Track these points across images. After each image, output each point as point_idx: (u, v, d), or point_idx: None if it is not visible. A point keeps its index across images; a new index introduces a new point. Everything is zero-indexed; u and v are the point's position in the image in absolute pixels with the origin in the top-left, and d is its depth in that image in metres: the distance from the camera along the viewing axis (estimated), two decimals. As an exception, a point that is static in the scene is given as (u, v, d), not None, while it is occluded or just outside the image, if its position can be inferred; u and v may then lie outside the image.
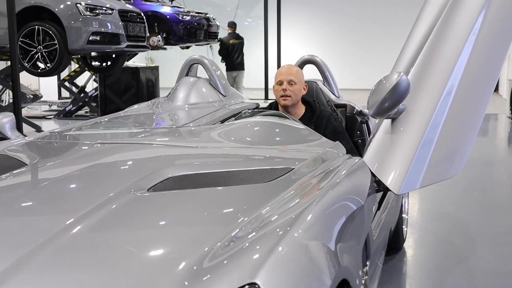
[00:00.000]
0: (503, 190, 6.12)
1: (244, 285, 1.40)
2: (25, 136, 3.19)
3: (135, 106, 4.18)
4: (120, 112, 3.92)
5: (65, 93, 14.85)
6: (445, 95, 2.63)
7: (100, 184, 2.28)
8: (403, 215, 4.22)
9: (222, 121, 3.42)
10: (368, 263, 2.57)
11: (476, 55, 2.68)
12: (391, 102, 2.53)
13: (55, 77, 13.56)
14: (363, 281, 2.25)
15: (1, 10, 7.54)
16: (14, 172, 2.42)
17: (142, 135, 3.10)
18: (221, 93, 4.06)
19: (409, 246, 4.20)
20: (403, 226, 4.17)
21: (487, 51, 2.75)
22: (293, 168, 2.39)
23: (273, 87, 3.57)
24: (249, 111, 3.64)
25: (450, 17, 2.75)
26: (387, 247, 3.77)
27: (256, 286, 1.39)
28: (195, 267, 1.50)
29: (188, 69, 4.16)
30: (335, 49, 17.79)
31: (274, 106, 3.68)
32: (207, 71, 4.12)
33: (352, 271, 1.83)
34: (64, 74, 12.75)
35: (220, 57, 12.60)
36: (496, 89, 14.93)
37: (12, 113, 3.30)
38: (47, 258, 1.58)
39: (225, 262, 1.50)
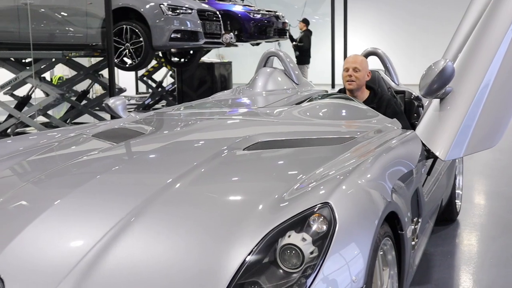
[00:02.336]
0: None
1: (317, 204, 1.98)
2: (134, 116, 3.87)
3: (219, 93, 4.83)
4: (209, 97, 4.58)
5: (142, 88, 15.78)
6: (487, 79, 3.13)
7: (201, 147, 2.93)
8: (458, 191, 4.69)
9: (296, 105, 4.01)
10: (420, 220, 3.12)
11: None
12: (439, 84, 3.05)
13: (133, 73, 14.50)
14: (412, 227, 2.78)
15: (92, 12, 8.42)
16: (131, 140, 3.09)
17: (231, 114, 3.73)
18: (294, 82, 4.65)
19: (463, 219, 4.67)
20: (457, 201, 4.64)
21: None
22: (354, 137, 2.96)
23: (342, 73, 4.15)
24: (319, 96, 4.22)
25: (492, 13, 3.24)
26: (442, 218, 4.28)
27: (329, 205, 1.97)
28: (276, 197, 2.09)
29: (266, 61, 4.77)
30: (400, 45, 18.08)
31: (342, 91, 4.25)
32: (282, 63, 4.72)
33: (400, 208, 2.38)
34: (142, 70, 13.64)
35: (296, 52, 13.34)
36: None
37: (123, 97, 4.00)
38: (158, 205, 2.14)
39: (300, 194, 2.09)
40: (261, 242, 1.88)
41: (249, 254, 1.85)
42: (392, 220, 2.35)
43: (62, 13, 8.64)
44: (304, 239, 1.87)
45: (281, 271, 1.84)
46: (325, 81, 15.76)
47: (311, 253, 1.85)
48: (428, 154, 3.16)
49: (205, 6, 9.50)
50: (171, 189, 2.26)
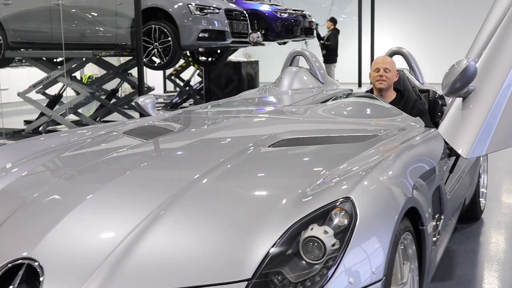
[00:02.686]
0: None
1: (339, 199, 2.06)
2: (163, 114, 3.99)
3: (246, 92, 4.93)
4: (235, 96, 4.68)
5: (169, 87, 15.95)
6: (509, 78, 3.17)
7: (228, 144, 3.02)
8: (482, 189, 4.72)
9: (321, 103, 4.09)
10: (442, 217, 3.17)
11: None
12: (462, 83, 3.10)
13: (161, 72, 14.67)
14: (434, 223, 2.84)
15: (122, 12, 8.58)
16: (160, 137, 3.19)
17: (257, 112, 3.82)
18: (319, 81, 4.73)
19: (487, 217, 4.69)
20: (481, 199, 4.67)
21: None
22: (378, 135, 3.03)
23: (370, 74, 4.21)
24: (344, 95, 4.28)
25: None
26: (465, 216, 4.31)
27: (350, 199, 2.05)
28: (299, 192, 2.17)
29: (292, 60, 4.86)
30: (427, 44, 17.98)
31: (370, 92, 4.32)
32: (307, 62, 4.80)
33: (421, 204, 2.44)
34: (170, 69, 13.80)
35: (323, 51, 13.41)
36: None
37: (152, 95, 4.11)
38: (186, 199, 2.24)
39: (322, 189, 2.17)
40: (284, 234, 1.97)
41: (273, 246, 1.94)
42: (413, 216, 2.42)
43: (92, 13, 8.83)
44: (326, 232, 1.95)
45: (303, 262, 1.92)
46: (352, 79, 15.74)
47: (333, 245, 1.93)
48: (450, 152, 3.21)
49: (232, 5, 9.60)
50: (198, 184, 2.36)
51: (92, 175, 2.65)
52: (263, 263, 1.89)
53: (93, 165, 2.74)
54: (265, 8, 11.97)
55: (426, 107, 4.34)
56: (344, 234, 1.96)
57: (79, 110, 9.74)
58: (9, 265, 1.97)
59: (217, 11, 8.73)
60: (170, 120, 3.67)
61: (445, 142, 3.21)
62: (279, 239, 1.95)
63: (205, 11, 8.55)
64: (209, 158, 2.72)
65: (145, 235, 2.02)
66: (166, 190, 2.33)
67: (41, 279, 1.90)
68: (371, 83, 4.29)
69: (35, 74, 10.66)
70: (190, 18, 8.42)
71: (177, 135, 3.21)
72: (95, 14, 8.82)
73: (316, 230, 1.96)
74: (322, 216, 2.01)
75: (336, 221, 1.99)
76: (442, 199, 3.14)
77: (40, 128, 9.27)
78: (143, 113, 4.05)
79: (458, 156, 3.26)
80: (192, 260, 1.94)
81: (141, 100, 3.99)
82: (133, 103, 4.16)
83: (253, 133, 3.16)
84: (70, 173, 2.67)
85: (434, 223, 2.85)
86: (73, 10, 8.86)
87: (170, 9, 8.37)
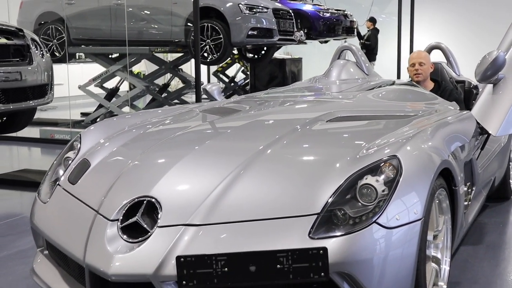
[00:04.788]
0: None
1: (388, 156, 2.59)
2: (230, 99, 4.57)
3: (298, 82, 5.49)
4: (288, 86, 5.24)
5: (214, 84, 16.56)
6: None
7: (288, 121, 3.57)
8: (512, 173, 5.19)
9: (367, 91, 4.62)
10: (474, 188, 3.68)
11: None
12: (492, 71, 3.61)
13: (205, 68, 15.31)
14: (465, 189, 3.36)
15: (176, 12, 9.22)
16: (230, 115, 3.76)
17: (311, 97, 4.37)
18: (364, 72, 5.25)
19: (517, 197, 5.15)
20: (511, 181, 5.13)
21: None
22: (416, 115, 3.55)
23: (407, 68, 4.73)
24: (387, 84, 4.80)
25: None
26: (496, 196, 4.80)
27: (397, 157, 2.58)
28: (354, 153, 2.71)
29: (339, 54, 5.40)
30: (467, 45, 18.24)
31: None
32: (354, 56, 5.32)
33: (454, 167, 2.96)
34: (215, 66, 14.41)
35: (363, 50, 13.85)
36: None
37: (218, 82, 4.70)
38: (259, 161, 2.76)
39: (374, 151, 2.70)
40: (345, 182, 2.50)
41: (336, 190, 2.47)
42: (447, 178, 2.94)
43: (149, 12, 9.49)
44: (377, 181, 2.49)
45: (359, 203, 2.46)
46: (390, 77, 16.13)
47: (383, 191, 2.47)
48: (481, 131, 3.73)
49: (279, 5, 10.17)
50: (266, 152, 2.89)
51: (184, 141, 3.23)
52: (328, 202, 2.44)
53: (182, 134, 3.32)
54: (308, 8, 12.46)
55: (462, 96, 4.83)
56: (391, 183, 2.49)
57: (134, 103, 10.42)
58: (135, 200, 2.56)
59: (266, 10, 9.31)
60: (236, 103, 4.24)
61: (477, 122, 3.72)
62: (340, 186, 2.49)
63: (254, 10, 9.14)
64: (271, 133, 3.23)
65: (234, 182, 2.59)
66: (242, 155, 2.85)
67: (158, 212, 2.49)
68: (409, 77, 4.83)
69: (89, 70, 11.39)
70: (241, 17, 9.01)
71: (243, 114, 3.76)
72: (152, 13, 9.48)
73: (369, 179, 2.50)
74: (374, 169, 2.54)
75: (385, 173, 2.52)
76: (473, 171, 3.64)
77: (98, 120, 9.97)
78: (210, 98, 4.64)
79: (488, 134, 3.76)
80: (272, 199, 2.49)
81: (208, 87, 4.60)
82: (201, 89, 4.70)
83: (310, 112, 3.70)
84: (164, 140, 3.21)
85: (466, 189, 3.36)
86: (130, 9, 9.53)
87: (222, 8, 8.98)
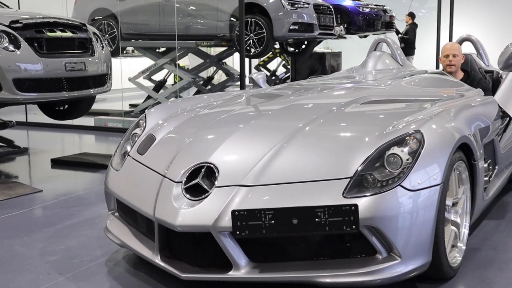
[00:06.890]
0: None
1: (412, 130, 3.00)
2: (273, 86, 5.02)
3: (336, 73, 5.91)
4: (328, 75, 5.67)
5: (255, 78, 17.03)
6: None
7: (326, 103, 4.01)
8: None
9: (400, 79, 5.02)
10: (496, 167, 4.06)
11: None
12: (514, 59, 3.99)
13: (248, 61, 15.79)
14: (486, 166, 3.74)
15: (222, 8, 9.70)
16: (275, 99, 4.21)
17: (348, 84, 4.80)
18: (399, 63, 5.64)
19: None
20: (536, 165, 5.46)
21: None
22: (442, 99, 3.94)
23: (440, 59, 5.12)
24: (419, 73, 5.19)
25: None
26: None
27: (420, 131, 2.99)
28: (382, 129, 3.12)
29: (376, 46, 5.80)
30: (508, 39, 18.31)
31: (440, 72, 5.23)
32: (389, 48, 5.72)
33: (473, 143, 3.35)
34: (256, 60, 14.88)
35: (402, 44, 14.17)
36: None
37: (263, 72, 5.17)
38: (299, 136, 3.20)
39: (400, 127, 3.11)
40: (374, 152, 2.93)
41: (366, 159, 2.90)
42: (467, 153, 3.34)
43: (196, 8, 10.00)
44: (402, 151, 2.91)
45: (387, 170, 2.88)
46: (429, 72, 16.34)
47: (407, 160, 2.88)
48: (503, 114, 4.10)
49: (319, 0, 10.57)
50: (305, 129, 3.33)
51: (233, 120, 3.70)
52: (359, 168, 2.87)
53: (228, 116, 3.78)
54: (348, 3, 12.79)
55: (490, 86, 5.19)
56: (415, 154, 2.91)
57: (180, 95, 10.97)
58: (197, 165, 3.05)
59: (307, 5, 9.73)
60: (280, 89, 4.70)
61: (499, 107, 4.09)
62: (370, 155, 2.92)
63: (296, 5, 9.57)
64: (309, 113, 3.65)
65: (279, 152, 3.04)
66: (284, 131, 3.29)
67: (216, 175, 2.97)
68: (442, 67, 5.21)
69: (135, 65, 11.94)
70: (283, 12, 9.45)
71: (287, 99, 4.22)
72: (198, 9, 9.99)
73: (395, 150, 2.92)
74: (400, 141, 2.96)
75: (410, 145, 2.94)
76: (496, 151, 4.02)
77: (146, 111, 10.53)
78: (256, 86, 5.11)
79: (510, 118, 4.14)
80: (312, 166, 2.94)
81: (254, 75, 5.08)
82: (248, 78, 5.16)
83: (347, 95, 4.13)
84: (219, 118, 3.69)
85: (486, 165, 3.74)
86: (178, 5, 10.05)
87: (265, 4, 9.43)
